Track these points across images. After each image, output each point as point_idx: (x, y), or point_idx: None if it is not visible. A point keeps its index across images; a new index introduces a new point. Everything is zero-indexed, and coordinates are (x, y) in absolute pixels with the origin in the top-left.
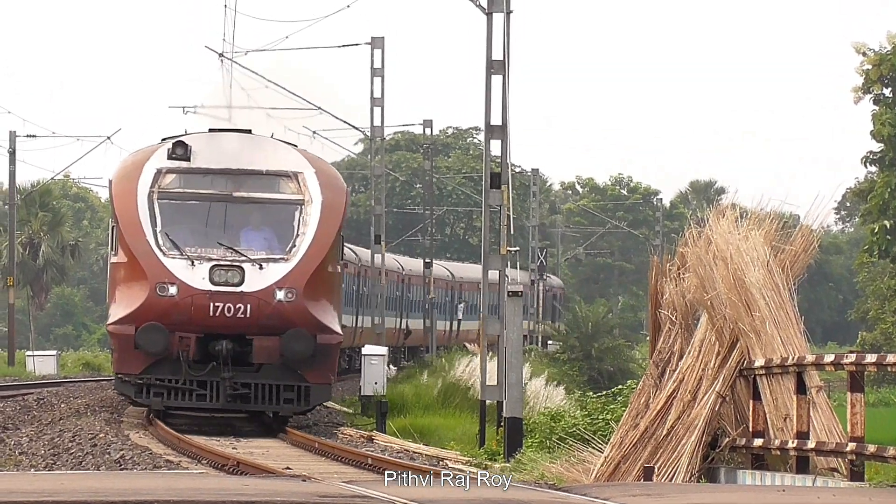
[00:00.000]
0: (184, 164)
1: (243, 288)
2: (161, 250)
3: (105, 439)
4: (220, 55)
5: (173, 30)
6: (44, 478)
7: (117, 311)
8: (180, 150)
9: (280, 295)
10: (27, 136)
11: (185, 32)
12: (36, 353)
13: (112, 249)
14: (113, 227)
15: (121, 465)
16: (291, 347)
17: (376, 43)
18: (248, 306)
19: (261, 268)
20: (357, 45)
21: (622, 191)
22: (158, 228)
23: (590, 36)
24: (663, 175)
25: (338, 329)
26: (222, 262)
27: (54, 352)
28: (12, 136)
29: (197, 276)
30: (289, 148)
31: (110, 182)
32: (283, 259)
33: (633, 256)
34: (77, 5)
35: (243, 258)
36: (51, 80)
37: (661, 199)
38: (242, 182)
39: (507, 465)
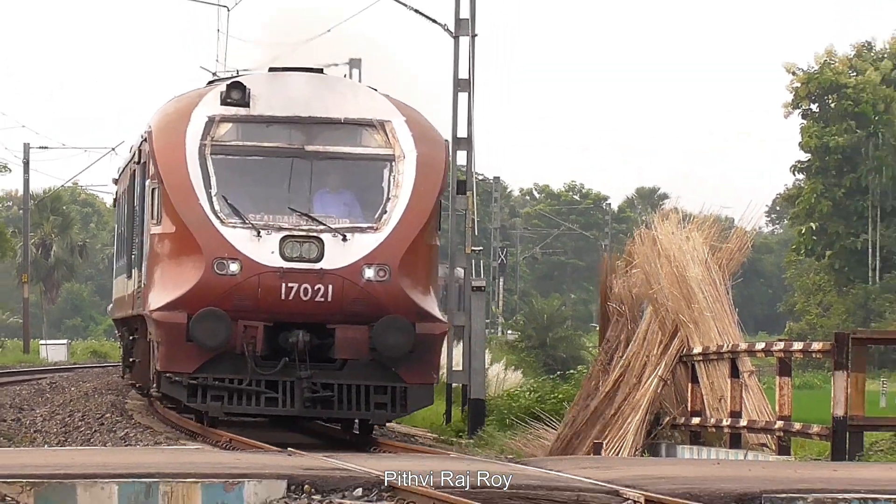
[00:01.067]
0: (242, 111)
1: (323, 265)
2: (218, 218)
3: (111, 419)
4: (214, 74)
5: (174, 49)
6: (57, 453)
7: (163, 295)
8: (237, 93)
9: (369, 273)
10: (40, 147)
11: (183, 52)
12: (48, 342)
13: (153, 217)
14: (154, 189)
15: (126, 442)
16: (385, 339)
17: (354, 63)
18: (330, 287)
19: (344, 239)
20: (336, 65)
21: (575, 196)
22: (214, 191)
23: (557, 45)
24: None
25: (440, 315)
26: (296, 233)
27: (65, 341)
28: (26, 148)
29: (264, 250)
30: (371, 91)
31: (149, 134)
32: (371, 228)
33: (584, 255)
34: (86, 23)
35: (322, 227)
36: (61, 97)
37: (610, 203)
38: (316, 133)
39: (471, 440)
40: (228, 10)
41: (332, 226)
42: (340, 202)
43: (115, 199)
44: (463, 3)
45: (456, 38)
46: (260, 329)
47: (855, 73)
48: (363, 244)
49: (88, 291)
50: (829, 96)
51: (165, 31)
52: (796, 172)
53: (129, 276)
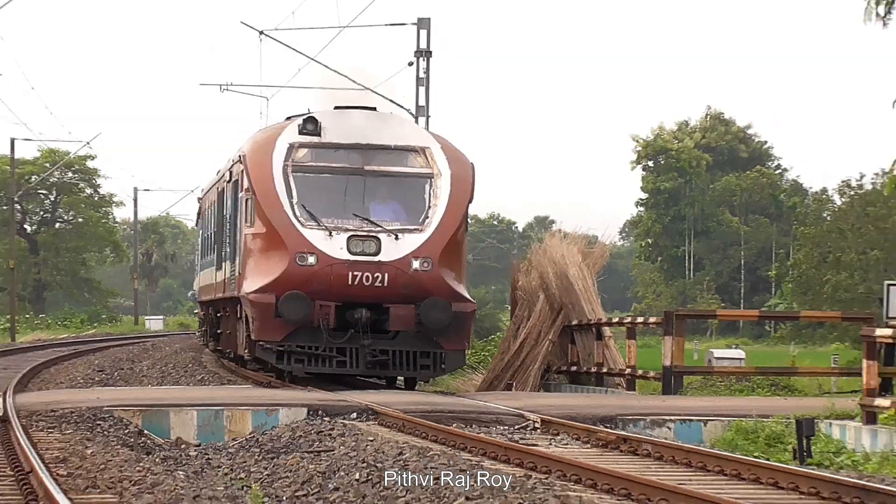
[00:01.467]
0: (315, 139)
1: (380, 257)
2: (299, 221)
3: (192, 368)
4: None
5: (228, 127)
6: (157, 390)
7: (256, 281)
8: (311, 125)
9: (416, 264)
10: (144, 189)
11: (234, 130)
12: (150, 317)
13: (247, 221)
14: (247, 199)
15: (202, 383)
16: (429, 315)
17: None
18: (386, 275)
19: (396, 238)
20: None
21: (494, 222)
22: (295, 200)
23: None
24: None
25: (470, 297)
26: (359, 233)
27: (161, 317)
28: (135, 190)
29: (335, 247)
30: (413, 124)
31: (243, 157)
32: (417, 229)
33: (501, 261)
34: (168, 107)
35: (379, 229)
36: (157, 157)
37: (517, 226)
38: (372, 156)
39: (427, 382)
40: (268, 100)
41: (387, 227)
42: (390, 209)
43: (198, 213)
44: (421, 94)
45: (416, 118)
46: (332, 308)
47: (677, 141)
48: (411, 242)
49: (177, 284)
50: (660, 156)
51: (220, 113)
52: (638, 206)
53: (219, 268)
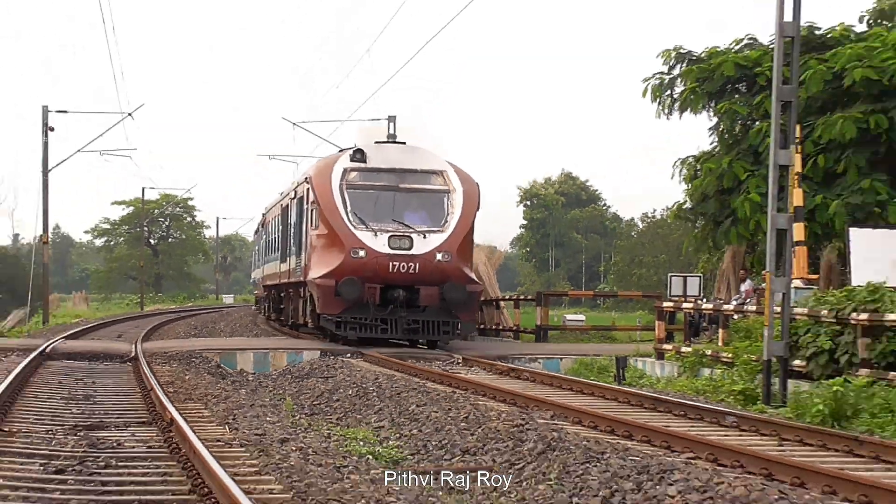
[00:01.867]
0: (362, 165)
1: (412, 251)
2: (352, 224)
3: (251, 326)
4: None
5: (275, 177)
6: (228, 340)
7: (321, 269)
8: (359, 154)
9: (439, 256)
10: (223, 218)
11: (281, 178)
12: (225, 295)
13: (312, 225)
14: (312, 210)
15: (256, 336)
16: (449, 295)
17: None
18: (417, 265)
19: (424, 237)
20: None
21: None
22: (349, 209)
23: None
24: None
25: (478, 281)
26: (397, 233)
27: (232, 295)
28: (217, 220)
29: (379, 244)
30: (434, 153)
31: (309, 178)
32: (439, 231)
33: None
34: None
35: (412, 230)
36: (230, 199)
37: None
38: (405, 177)
39: (445, 344)
40: (297, 165)
41: (418, 229)
42: (419, 216)
43: (261, 223)
44: None
45: None
46: (377, 289)
47: (544, 189)
48: (435, 240)
49: (242, 276)
50: (534, 198)
51: (268, 172)
52: (521, 228)
53: (283, 261)
